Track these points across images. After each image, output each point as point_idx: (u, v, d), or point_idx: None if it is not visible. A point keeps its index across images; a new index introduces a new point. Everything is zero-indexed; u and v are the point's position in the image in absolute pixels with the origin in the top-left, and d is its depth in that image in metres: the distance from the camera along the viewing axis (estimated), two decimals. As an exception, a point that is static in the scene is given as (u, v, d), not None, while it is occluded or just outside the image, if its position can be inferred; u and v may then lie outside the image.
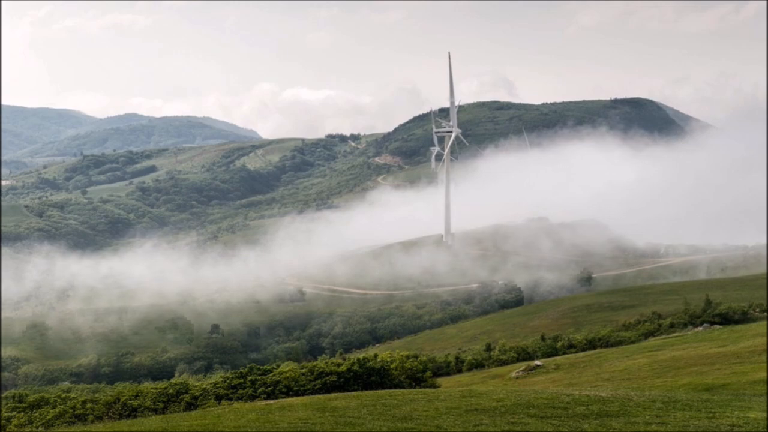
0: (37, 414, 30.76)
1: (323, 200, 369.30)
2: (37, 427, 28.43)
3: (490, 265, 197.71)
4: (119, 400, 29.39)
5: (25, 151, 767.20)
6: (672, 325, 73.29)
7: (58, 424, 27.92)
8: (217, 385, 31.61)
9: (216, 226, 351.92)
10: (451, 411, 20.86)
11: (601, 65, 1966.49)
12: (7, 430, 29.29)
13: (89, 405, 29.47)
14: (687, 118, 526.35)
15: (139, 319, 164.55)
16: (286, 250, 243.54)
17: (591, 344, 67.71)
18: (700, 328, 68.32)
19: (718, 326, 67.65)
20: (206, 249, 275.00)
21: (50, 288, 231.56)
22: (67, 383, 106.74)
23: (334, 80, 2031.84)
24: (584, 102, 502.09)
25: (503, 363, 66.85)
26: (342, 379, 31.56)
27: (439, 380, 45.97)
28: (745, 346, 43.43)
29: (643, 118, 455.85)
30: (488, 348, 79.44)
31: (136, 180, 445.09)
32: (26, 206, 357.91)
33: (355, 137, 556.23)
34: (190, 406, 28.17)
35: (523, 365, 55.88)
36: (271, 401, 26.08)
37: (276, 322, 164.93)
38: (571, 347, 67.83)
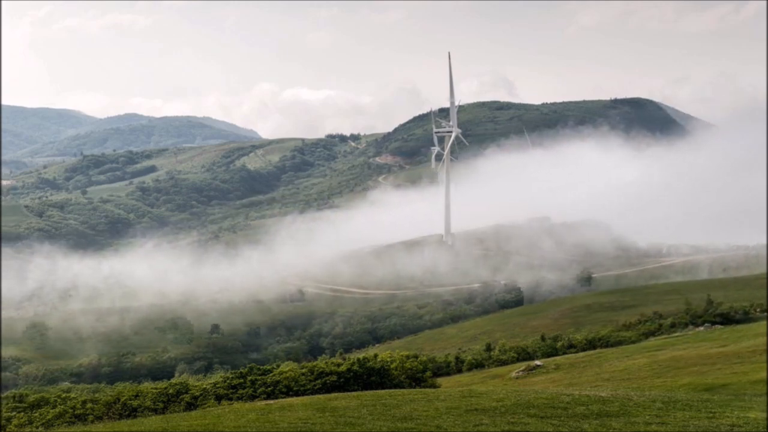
0: (37, 414, 30.73)
1: (324, 200, 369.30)
2: (37, 427, 28.40)
3: (492, 264, 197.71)
4: (119, 400, 29.36)
5: (25, 151, 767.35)
6: (673, 325, 73.23)
7: (58, 424, 27.89)
8: (217, 385, 31.59)
9: (217, 225, 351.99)
10: (451, 411, 20.84)
11: (601, 65, 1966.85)
12: (7, 430, 29.28)
13: (89, 405, 29.44)
14: (688, 118, 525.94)
15: (140, 318, 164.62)
16: (289, 250, 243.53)
17: (591, 344, 67.67)
18: (702, 328, 68.28)
19: (719, 326, 67.60)
20: (208, 249, 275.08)
21: (53, 288, 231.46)
22: (67, 383, 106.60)
23: (334, 80, 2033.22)
24: (584, 102, 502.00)
25: (503, 363, 66.79)
26: (342, 379, 31.54)
27: (439, 380, 45.94)
28: (746, 345, 43.42)
29: (644, 118, 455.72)
30: (488, 348, 79.38)
31: (136, 180, 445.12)
32: (26, 206, 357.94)
33: (355, 137, 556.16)
34: (190, 406, 28.15)
35: (523, 365, 55.85)
36: (271, 401, 26.07)
37: (278, 322, 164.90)
38: (571, 347, 67.79)
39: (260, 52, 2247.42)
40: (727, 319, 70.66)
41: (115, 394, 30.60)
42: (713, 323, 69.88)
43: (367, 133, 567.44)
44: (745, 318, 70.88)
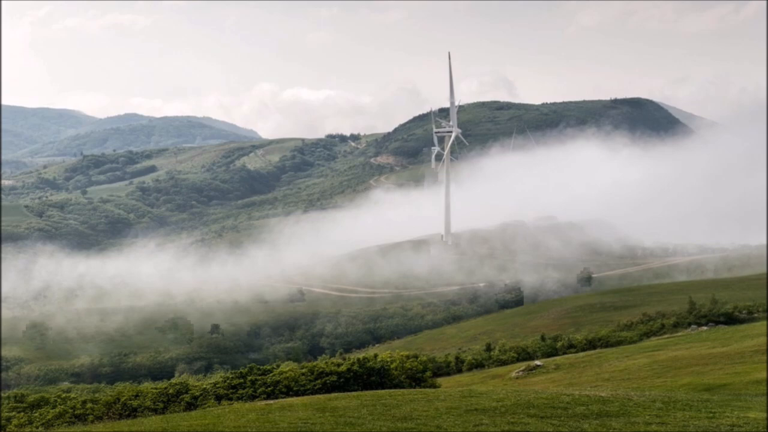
0: (37, 414, 30.75)
1: (327, 199, 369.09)
2: (37, 427, 28.41)
3: (498, 264, 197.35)
4: (119, 400, 29.35)
5: (25, 151, 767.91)
6: (676, 325, 73.05)
7: (58, 424, 27.90)
8: (217, 385, 31.59)
9: (219, 225, 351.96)
10: (451, 411, 20.82)
11: (601, 65, 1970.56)
12: (7, 430, 29.29)
13: (89, 405, 29.44)
14: (690, 117, 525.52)
15: (144, 318, 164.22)
16: (294, 250, 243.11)
17: (591, 344, 67.57)
18: (705, 328, 68.17)
19: (722, 326, 67.51)
20: (212, 248, 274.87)
21: (59, 288, 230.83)
22: (67, 383, 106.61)
23: (334, 80, 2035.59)
24: (584, 102, 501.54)
25: (503, 363, 66.72)
26: (342, 379, 31.52)
27: (439, 380, 45.94)
28: (747, 345, 43.39)
29: (644, 118, 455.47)
30: (488, 348, 79.33)
31: (136, 180, 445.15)
32: (26, 206, 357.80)
33: (355, 137, 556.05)
34: (190, 406, 28.15)
35: (523, 365, 55.81)
36: (271, 401, 26.05)
37: (281, 322, 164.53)
38: (571, 347, 67.70)
39: (260, 52, 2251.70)
40: (730, 319, 70.44)
41: (115, 394, 30.59)
42: (717, 323, 69.72)
43: (367, 133, 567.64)
44: (749, 318, 70.64)
